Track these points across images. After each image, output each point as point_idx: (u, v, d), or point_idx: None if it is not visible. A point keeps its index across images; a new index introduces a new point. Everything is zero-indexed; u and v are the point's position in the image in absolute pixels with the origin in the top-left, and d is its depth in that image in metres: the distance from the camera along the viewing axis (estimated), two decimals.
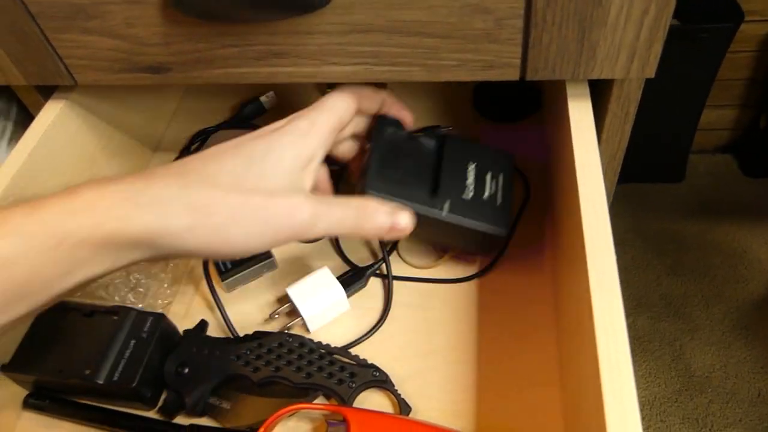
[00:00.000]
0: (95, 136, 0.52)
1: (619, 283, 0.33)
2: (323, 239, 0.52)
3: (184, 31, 0.40)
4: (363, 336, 0.45)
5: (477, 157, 0.45)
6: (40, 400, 0.44)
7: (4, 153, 0.54)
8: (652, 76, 0.39)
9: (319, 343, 0.42)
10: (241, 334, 0.45)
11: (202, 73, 0.43)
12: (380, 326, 0.46)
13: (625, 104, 0.43)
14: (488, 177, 0.45)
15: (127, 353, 0.41)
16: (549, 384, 0.42)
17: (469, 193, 0.43)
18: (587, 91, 0.42)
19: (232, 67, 0.42)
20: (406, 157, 0.43)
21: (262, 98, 0.60)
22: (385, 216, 0.36)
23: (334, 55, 0.40)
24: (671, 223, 1.22)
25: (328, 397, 0.42)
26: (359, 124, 0.42)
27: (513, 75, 0.40)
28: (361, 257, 0.50)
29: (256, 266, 0.49)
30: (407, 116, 0.44)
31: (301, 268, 0.50)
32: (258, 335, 0.42)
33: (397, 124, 0.44)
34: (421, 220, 0.41)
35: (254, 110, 0.60)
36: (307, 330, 0.46)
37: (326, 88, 0.63)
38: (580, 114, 0.41)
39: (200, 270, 0.51)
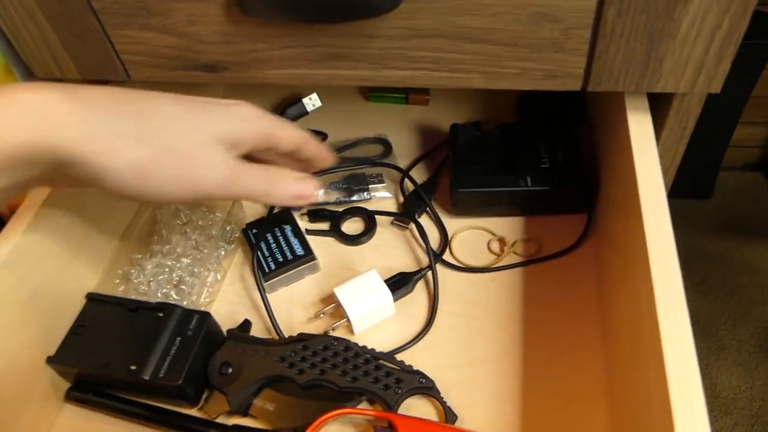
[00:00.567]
0: None
1: (686, 305, 0.32)
2: (365, 243, 0.52)
3: (244, 30, 0.40)
4: (409, 342, 0.45)
5: (543, 132, 0.52)
6: (82, 393, 0.44)
7: None
8: (718, 91, 0.38)
9: (365, 347, 0.42)
10: (285, 335, 0.45)
11: (258, 73, 0.43)
12: (425, 333, 0.45)
13: (684, 119, 0.42)
14: (558, 146, 0.51)
15: (173, 350, 0.41)
16: (596, 398, 0.41)
17: (546, 163, 0.49)
18: (647, 104, 0.42)
19: (290, 68, 0.42)
20: (482, 152, 0.51)
21: (305, 100, 0.59)
22: (292, 182, 0.37)
23: (394, 59, 0.40)
24: (699, 240, 1.20)
25: (372, 402, 0.41)
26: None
27: (574, 85, 0.39)
28: (406, 263, 0.50)
29: (299, 268, 0.49)
30: (326, 157, 0.42)
31: (342, 271, 0.50)
32: (303, 337, 0.42)
33: (467, 127, 0.52)
34: (512, 199, 0.49)
35: (297, 112, 0.60)
36: (352, 332, 0.46)
37: (368, 91, 0.63)
38: (640, 128, 0.40)
39: (241, 270, 0.51)
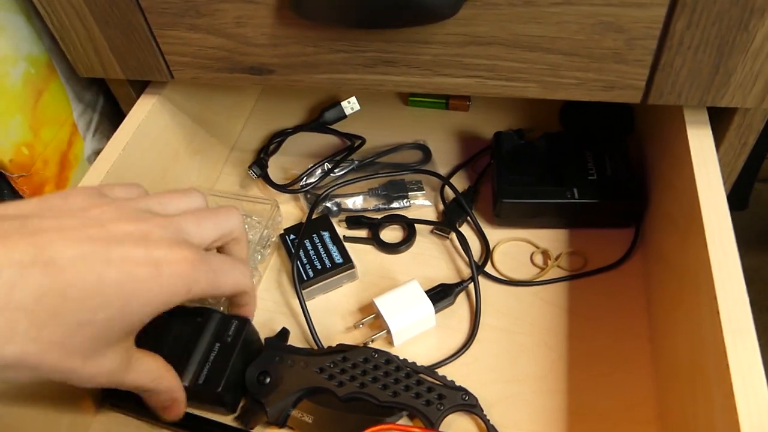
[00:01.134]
0: (181, 133, 0.52)
1: (755, 332, 0.31)
2: (405, 252, 0.50)
3: (294, 33, 0.39)
4: (451, 356, 0.43)
5: (590, 142, 0.50)
6: (118, 399, 0.43)
7: (89, 144, 0.54)
8: None
9: (405, 360, 0.41)
10: (323, 345, 0.44)
11: (305, 77, 0.42)
12: (467, 348, 0.44)
13: (745, 134, 0.41)
14: (606, 157, 0.49)
15: (212, 357, 0.40)
16: (645, 422, 0.40)
17: (593, 175, 0.48)
18: (707, 118, 0.40)
19: (338, 72, 0.41)
20: (527, 162, 0.50)
21: (343, 103, 0.59)
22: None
23: (447, 66, 0.39)
24: None
25: (412, 418, 0.40)
26: None
27: (634, 98, 0.38)
28: (446, 273, 0.49)
29: (337, 276, 0.48)
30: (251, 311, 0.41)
31: (381, 280, 0.49)
32: (342, 348, 0.41)
33: (511, 135, 0.51)
34: (558, 211, 0.48)
35: (335, 115, 0.59)
36: (391, 344, 0.45)
37: (408, 95, 0.62)
38: (700, 143, 0.39)
39: (278, 275, 0.50)
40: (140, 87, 0.50)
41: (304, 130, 0.61)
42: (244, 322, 0.42)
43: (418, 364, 0.42)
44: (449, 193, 0.53)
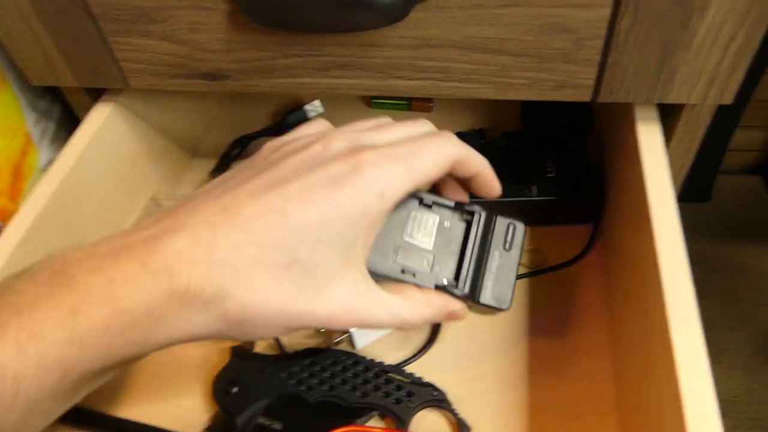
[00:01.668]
0: (139, 140, 0.51)
1: (699, 319, 0.32)
2: None
3: (248, 38, 0.39)
4: (413, 356, 0.44)
5: (548, 141, 0.51)
6: (73, 413, 0.42)
7: (45, 152, 0.53)
8: (730, 102, 0.38)
9: (372, 360, 0.41)
10: (287, 350, 0.44)
11: (261, 82, 0.42)
12: (431, 346, 0.44)
13: (693, 129, 0.42)
14: (564, 155, 0.50)
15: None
16: (606, 412, 0.40)
17: (552, 173, 0.48)
18: (657, 114, 0.41)
19: (294, 77, 0.41)
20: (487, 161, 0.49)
21: (307, 106, 0.58)
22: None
23: (400, 68, 0.39)
24: (697, 244, 1.20)
25: (383, 417, 0.41)
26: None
27: (584, 96, 0.39)
28: None
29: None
30: (498, 190, 0.38)
31: None
32: (310, 352, 0.41)
33: (472, 135, 0.51)
34: (518, 209, 0.46)
35: (298, 119, 0.59)
36: (354, 346, 0.45)
37: (371, 97, 0.63)
38: (649, 138, 0.40)
39: None
40: (96, 94, 0.49)
41: (267, 134, 0.61)
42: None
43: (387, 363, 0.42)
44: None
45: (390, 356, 0.44)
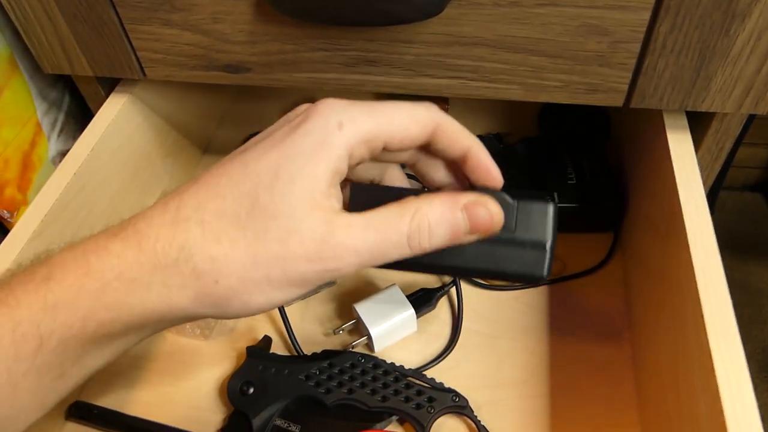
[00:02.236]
0: (153, 134, 0.50)
1: (738, 335, 0.31)
2: None
3: (273, 30, 0.38)
4: (433, 361, 0.43)
5: (569, 147, 0.50)
6: (84, 410, 0.41)
7: (54, 144, 0.52)
8: (765, 112, 0.37)
9: (393, 364, 0.40)
10: (303, 351, 0.43)
11: (284, 76, 0.41)
12: (449, 352, 0.43)
13: (722, 139, 0.41)
14: (585, 161, 0.49)
15: None
16: (627, 425, 0.40)
17: (573, 179, 0.47)
18: (686, 122, 0.40)
19: (318, 72, 0.40)
20: (505, 166, 0.47)
21: None
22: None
23: (430, 66, 0.38)
24: None
25: (402, 422, 0.39)
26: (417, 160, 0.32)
27: (617, 101, 0.38)
28: (426, 277, 0.48)
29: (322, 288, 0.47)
30: (497, 176, 0.32)
31: (359, 284, 0.48)
32: (328, 354, 0.40)
33: (490, 140, 0.50)
34: None
35: None
36: (371, 350, 0.43)
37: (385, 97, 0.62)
38: (680, 147, 0.39)
39: None
40: (109, 85, 0.48)
41: None
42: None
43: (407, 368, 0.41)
44: None
45: (409, 360, 0.43)
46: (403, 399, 0.38)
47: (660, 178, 0.40)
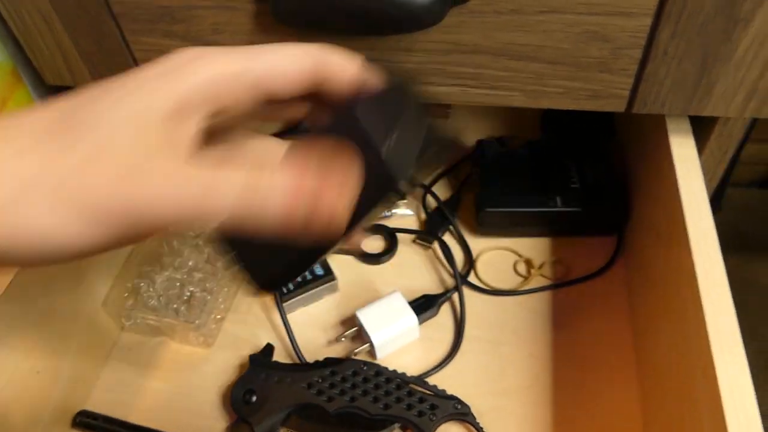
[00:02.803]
0: None
1: (741, 340, 0.31)
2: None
3: (273, 39, 0.38)
4: (435, 368, 0.43)
5: (572, 151, 0.50)
6: (89, 419, 0.41)
7: None
8: None
9: (395, 371, 0.40)
10: (306, 359, 0.43)
11: None
12: (452, 359, 0.43)
13: (726, 143, 0.41)
14: (588, 165, 0.49)
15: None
16: (632, 430, 0.40)
17: (576, 183, 0.48)
18: (689, 126, 0.40)
19: None
20: (509, 170, 0.49)
21: None
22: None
23: (431, 74, 0.38)
24: None
25: (405, 429, 0.40)
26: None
27: (618, 106, 0.38)
28: (429, 283, 0.48)
29: (318, 288, 0.47)
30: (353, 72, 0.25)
31: (362, 291, 0.48)
32: (330, 362, 0.40)
33: (493, 144, 0.51)
34: (541, 220, 0.48)
35: None
36: (374, 357, 0.44)
37: None
38: (683, 152, 0.39)
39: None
40: None
41: (282, 136, 0.59)
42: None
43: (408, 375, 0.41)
44: (431, 201, 0.53)
45: (412, 367, 0.43)
46: (405, 406, 0.38)
47: (663, 182, 0.40)
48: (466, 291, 0.47)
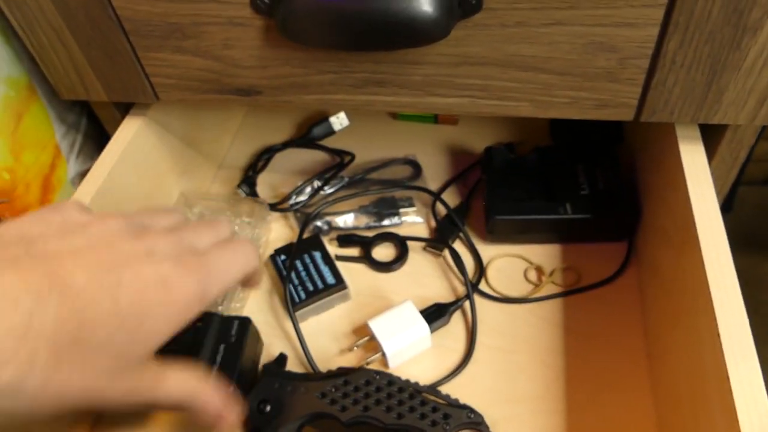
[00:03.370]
0: (168, 153, 0.51)
1: (754, 347, 0.31)
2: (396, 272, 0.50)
3: (282, 54, 0.39)
4: (447, 376, 0.43)
5: (581, 156, 0.50)
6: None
7: (73, 166, 0.53)
8: None
9: (408, 381, 0.40)
10: (318, 368, 0.44)
11: (294, 98, 0.42)
12: (463, 368, 0.43)
13: (737, 149, 0.41)
14: (598, 171, 0.49)
15: (218, 359, 0.40)
16: None
17: (585, 189, 0.47)
18: (699, 133, 0.40)
19: (327, 93, 0.40)
20: (518, 177, 0.49)
21: (332, 118, 0.58)
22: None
23: (439, 86, 0.38)
24: None
25: None
26: None
27: (627, 115, 0.38)
28: (440, 291, 0.48)
29: (330, 297, 0.47)
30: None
31: (374, 300, 0.48)
32: (343, 372, 0.40)
33: (502, 150, 0.51)
34: (551, 227, 0.48)
35: (323, 131, 0.58)
36: (386, 366, 0.44)
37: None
38: (693, 158, 0.39)
39: (269, 298, 0.49)
40: (124, 108, 0.48)
41: (293, 146, 0.60)
42: (246, 321, 0.42)
43: (422, 384, 0.41)
44: (441, 208, 0.53)
45: (425, 376, 0.43)
46: (418, 416, 0.38)
47: (673, 189, 0.40)
48: (478, 299, 0.47)
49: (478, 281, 0.48)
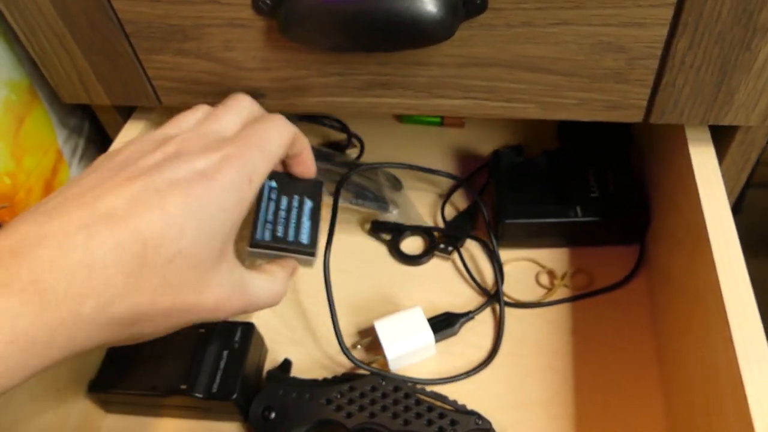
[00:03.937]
0: None
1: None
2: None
3: (285, 56, 0.38)
4: (457, 375, 0.42)
5: (590, 159, 0.49)
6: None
7: (75, 170, 0.53)
8: None
9: (414, 387, 0.40)
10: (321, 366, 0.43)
11: (297, 101, 0.41)
12: (475, 373, 0.43)
13: (748, 150, 0.40)
14: (608, 173, 0.48)
15: (222, 365, 0.40)
16: None
17: (595, 192, 0.47)
18: (709, 135, 0.39)
19: (332, 96, 0.40)
20: (527, 180, 0.49)
21: None
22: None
23: (444, 87, 0.38)
24: None
25: None
26: None
27: (636, 117, 0.37)
28: (447, 297, 0.47)
29: (292, 255, 0.38)
30: (314, 168, 0.38)
31: (382, 302, 0.47)
32: (348, 377, 0.40)
33: (510, 153, 0.50)
34: (562, 230, 0.47)
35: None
36: (387, 369, 0.43)
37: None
38: (703, 161, 0.38)
39: None
40: (127, 111, 0.48)
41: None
42: (250, 327, 0.42)
43: (430, 390, 0.40)
44: (449, 212, 0.53)
45: (430, 380, 0.42)
46: (425, 422, 0.38)
47: (683, 191, 0.39)
48: (490, 305, 0.46)
49: (497, 292, 0.47)
